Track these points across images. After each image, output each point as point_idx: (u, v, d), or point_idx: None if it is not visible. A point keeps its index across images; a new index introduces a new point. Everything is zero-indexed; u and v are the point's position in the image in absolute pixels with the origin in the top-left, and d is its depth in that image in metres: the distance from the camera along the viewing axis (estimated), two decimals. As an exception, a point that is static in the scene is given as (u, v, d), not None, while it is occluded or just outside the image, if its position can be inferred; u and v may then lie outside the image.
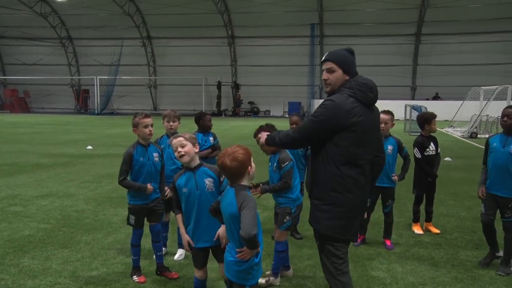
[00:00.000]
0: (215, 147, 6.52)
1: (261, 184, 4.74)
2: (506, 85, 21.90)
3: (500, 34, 36.32)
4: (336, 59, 3.40)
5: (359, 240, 5.81)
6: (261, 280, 4.56)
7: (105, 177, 10.55)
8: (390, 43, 38.42)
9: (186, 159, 3.72)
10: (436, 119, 6.31)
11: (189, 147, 3.76)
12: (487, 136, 21.09)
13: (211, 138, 6.63)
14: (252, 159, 3.11)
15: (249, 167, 3.07)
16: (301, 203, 4.82)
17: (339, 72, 3.38)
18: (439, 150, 6.35)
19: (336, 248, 3.33)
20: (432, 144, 6.26)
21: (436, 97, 37.69)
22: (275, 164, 4.62)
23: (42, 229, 6.44)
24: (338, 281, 3.33)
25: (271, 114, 40.66)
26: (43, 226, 6.59)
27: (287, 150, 4.62)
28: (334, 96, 3.32)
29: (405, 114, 25.83)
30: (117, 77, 43.94)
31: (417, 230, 6.46)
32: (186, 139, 3.80)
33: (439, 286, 4.67)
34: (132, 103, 43.95)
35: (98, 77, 42.60)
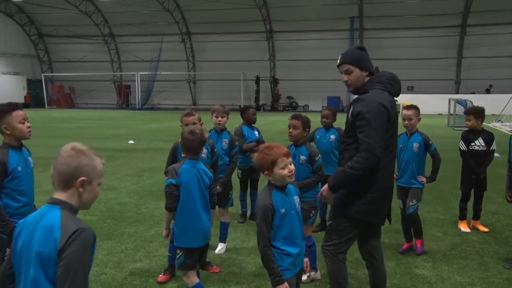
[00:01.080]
0: (259, 141, 6.52)
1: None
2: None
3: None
4: (350, 60, 3.61)
5: (404, 248, 5.46)
6: (304, 277, 4.51)
7: (146, 171, 10.76)
8: (433, 35, 37.22)
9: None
10: (470, 114, 6.05)
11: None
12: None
13: (256, 132, 6.65)
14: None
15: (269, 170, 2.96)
16: None
17: (356, 71, 3.58)
18: (492, 147, 6.03)
19: (353, 233, 3.57)
20: (480, 139, 6.01)
21: (488, 90, 35.79)
22: (303, 158, 4.46)
23: (88, 221, 6.63)
24: (332, 261, 3.62)
25: (309, 109, 40.35)
26: (89, 218, 6.79)
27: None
28: (370, 93, 3.46)
29: (449, 108, 25.03)
30: (157, 73, 44.73)
31: (464, 227, 6.23)
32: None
33: (491, 285, 4.49)
34: (171, 98, 44.66)
35: (139, 73, 43.52)
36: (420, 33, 37.14)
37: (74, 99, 47.98)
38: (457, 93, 35.86)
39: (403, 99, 35.28)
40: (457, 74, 38.72)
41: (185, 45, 44.68)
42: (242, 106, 6.77)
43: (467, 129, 6.25)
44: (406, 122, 5.26)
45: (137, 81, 43.56)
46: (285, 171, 2.96)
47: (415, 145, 5.31)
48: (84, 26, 43.78)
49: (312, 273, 4.66)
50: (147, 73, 44.47)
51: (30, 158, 3.68)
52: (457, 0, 35.64)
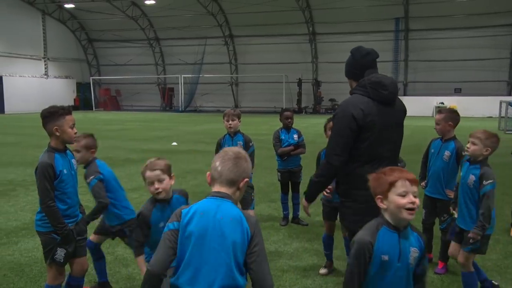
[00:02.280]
0: (299, 145, 6.47)
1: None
2: None
3: None
4: (345, 73, 3.60)
5: (440, 267, 4.98)
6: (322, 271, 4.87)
7: (189, 172, 10.91)
8: (483, 35, 35.80)
9: (163, 195, 3.34)
10: None
11: (166, 182, 3.35)
12: None
13: (295, 136, 6.59)
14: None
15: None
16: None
17: (350, 82, 3.58)
18: None
19: None
20: None
21: None
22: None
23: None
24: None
25: (352, 112, 39.81)
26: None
27: None
28: (347, 99, 3.45)
29: (500, 110, 24.01)
30: (200, 75, 45.37)
31: None
32: (163, 172, 3.35)
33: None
34: (214, 101, 45.18)
35: (182, 75, 44.29)
36: (469, 33, 35.83)
37: (120, 102, 49.41)
38: (509, 95, 34.34)
39: (450, 102, 34.38)
40: (509, 75, 37.08)
41: (227, 48, 45.11)
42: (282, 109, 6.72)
43: None
44: (435, 126, 4.93)
45: (181, 83, 44.34)
46: (404, 200, 2.32)
47: (446, 153, 4.82)
48: (130, 30, 45.06)
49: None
50: (190, 75, 45.17)
51: (73, 160, 3.79)
52: (509, -2, 34.15)
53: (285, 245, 5.79)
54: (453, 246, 4.27)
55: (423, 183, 5.16)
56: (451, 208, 4.58)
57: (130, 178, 10.18)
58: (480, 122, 24.83)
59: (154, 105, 47.86)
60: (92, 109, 45.96)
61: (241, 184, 2.31)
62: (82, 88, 47.72)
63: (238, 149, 2.40)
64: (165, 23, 43.65)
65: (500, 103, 24.29)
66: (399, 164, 4.11)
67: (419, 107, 33.29)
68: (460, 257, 4.04)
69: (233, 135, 5.56)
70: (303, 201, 3.65)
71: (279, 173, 6.70)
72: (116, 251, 5.50)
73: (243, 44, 44.63)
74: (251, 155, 5.41)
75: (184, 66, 45.30)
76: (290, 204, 6.83)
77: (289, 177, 6.68)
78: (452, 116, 4.86)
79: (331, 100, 41.55)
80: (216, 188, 2.31)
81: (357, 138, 3.29)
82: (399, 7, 36.93)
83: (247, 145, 5.45)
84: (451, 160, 4.82)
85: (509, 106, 21.77)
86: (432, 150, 5.04)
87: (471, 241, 3.89)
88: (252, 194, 5.46)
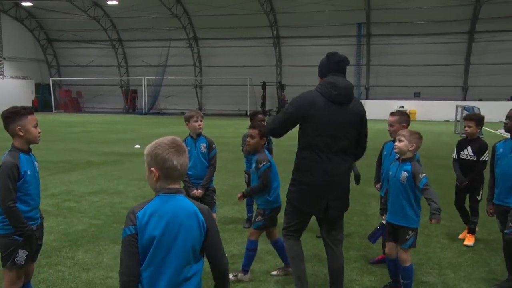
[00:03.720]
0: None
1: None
2: None
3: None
4: (318, 72, 4.05)
5: (378, 258, 5.29)
6: (230, 276, 4.65)
7: (153, 175, 10.78)
8: (441, 42, 37.10)
9: None
10: (472, 120, 5.79)
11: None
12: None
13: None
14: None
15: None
16: (279, 206, 4.73)
17: (319, 80, 4.00)
18: (483, 158, 5.69)
19: (292, 217, 4.08)
20: (469, 148, 5.81)
21: None
22: (253, 165, 4.69)
23: (94, 225, 6.67)
24: (285, 240, 4.15)
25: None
26: (95, 221, 6.83)
27: (266, 151, 4.74)
28: (303, 92, 3.97)
29: (456, 115, 24.94)
30: (164, 78, 44.92)
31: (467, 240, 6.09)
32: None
33: (495, 295, 4.47)
34: (178, 103, 44.79)
35: (146, 77, 43.72)
36: (427, 39, 37.06)
37: (81, 103, 48.28)
38: (465, 99, 35.71)
39: (410, 106, 35.44)
40: (464, 81, 38.56)
41: (192, 50, 44.86)
42: (249, 112, 6.72)
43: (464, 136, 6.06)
44: (388, 128, 5.03)
45: (144, 85, 43.75)
46: None
47: (404, 174, 4.71)
48: (92, 31, 44.12)
49: (240, 274, 4.78)
50: (154, 77, 44.65)
51: (36, 162, 3.73)
52: (466, 6, 35.53)
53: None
54: (389, 246, 4.42)
55: (377, 185, 5.33)
56: (379, 215, 4.80)
57: (91, 181, 9.99)
58: (438, 125, 25.73)
59: (116, 107, 47.01)
60: (52, 110, 44.69)
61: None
62: (41, 89, 46.33)
63: (175, 138, 2.31)
64: (128, 24, 43.00)
65: (456, 107, 25.25)
66: (353, 169, 4.42)
67: (380, 110, 34.10)
68: (401, 255, 4.21)
69: (196, 137, 5.40)
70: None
71: (246, 175, 6.71)
72: (76, 255, 5.39)
73: (207, 47, 44.50)
74: (214, 157, 5.41)
75: (147, 68, 44.73)
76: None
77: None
78: (405, 118, 5.03)
79: (295, 103, 41.96)
80: (168, 184, 2.25)
81: (300, 125, 3.87)
82: (361, 13, 37.78)
83: (210, 147, 5.38)
84: (408, 183, 4.94)
85: (464, 110, 22.64)
86: (385, 152, 5.19)
87: (407, 231, 4.16)
88: (214, 197, 5.46)
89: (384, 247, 5.22)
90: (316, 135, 3.80)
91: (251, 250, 4.76)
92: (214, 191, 5.45)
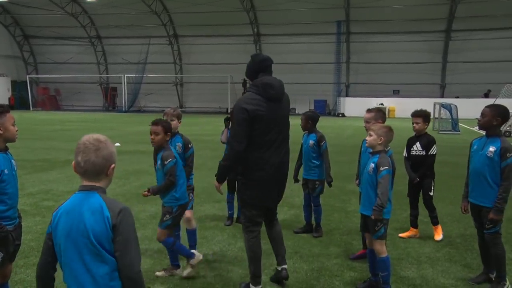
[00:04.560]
0: None
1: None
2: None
3: (534, 30, 35.22)
4: (245, 74, 4.34)
5: (358, 254, 5.37)
6: (163, 273, 4.83)
7: (132, 173, 10.71)
8: (419, 40, 37.66)
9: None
10: (419, 117, 5.93)
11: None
12: (520, 135, 20.53)
13: None
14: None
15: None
16: (186, 203, 4.72)
17: (249, 82, 4.36)
18: (431, 152, 5.83)
19: (252, 213, 4.28)
20: (418, 143, 5.93)
21: (487, 94, 35.69)
22: (159, 162, 4.57)
23: (73, 224, 6.58)
24: (246, 233, 4.34)
25: (296, 112, 40.51)
26: (74, 221, 6.74)
27: (172, 148, 4.72)
28: (242, 96, 4.26)
29: (434, 112, 25.33)
30: (144, 75, 44.50)
31: (403, 235, 6.16)
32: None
33: (472, 288, 4.57)
34: (158, 101, 44.45)
35: (125, 75, 43.25)
36: (406, 37, 37.55)
37: (59, 101, 47.51)
38: (442, 97, 36.33)
39: (389, 103, 35.86)
40: (442, 79, 39.22)
41: (172, 48, 44.54)
42: (229, 109, 6.69)
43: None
44: (364, 124, 5.14)
45: (124, 83, 43.28)
46: None
47: (372, 166, 4.86)
48: (70, 27, 43.40)
49: (173, 270, 4.87)
50: (134, 75, 44.22)
51: (13, 161, 3.67)
52: (442, 5, 36.12)
53: (229, 245, 5.83)
54: (367, 237, 4.59)
55: (356, 181, 5.40)
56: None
57: (70, 180, 9.85)
58: (416, 122, 26.10)
59: (96, 105, 46.43)
60: (29, 108, 43.85)
61: (109, 171, 2.31)
62: (17, 87, 45.42)
63: (96, 136, 2.32)
64: (107, 21, 42.43)
65: (434, 104, 25.65)
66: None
67: (360, 107, 34.27)
68: (374, 245, 4.32)
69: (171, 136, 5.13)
70: (215, 182, 4.43)
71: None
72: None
73: (187, 44, 44.25)
74: (191, 157, 5.22)
75: (127, 65, 44.25)
76: (235, 204, 6.88)
77: (236, 176, 6.69)
78: (381, 114, 5.19)
79: (276, 100, 42.11)
80: (83, 181, 2.30)
81: (251, 128, 4.07)
82: (341, 11, 38.04)
83: (186, 147, 5.16)
84: (374, 175, 5.04)
85: (442, 108, 23.01)
86: (362, 149, 5.29)
87: (376, 222, 4.22)
88: (191, 194, 5.39)
89: (363, 243, 5.32)
90: (267, 132, 4.12)
91: (172, 245, 4.68)
92: (192, 189, 5.34)
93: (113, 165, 2.33)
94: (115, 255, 2.20)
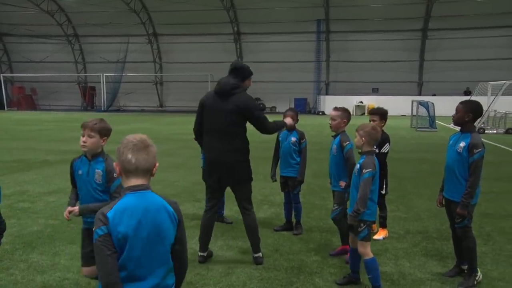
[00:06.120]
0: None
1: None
2: (514, 80, 21.71)
3: (508, 29, 36.05)
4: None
5: (337, 250, 5.42)
6: None
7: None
8: (397, 39, 38.20)
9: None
10: (376, 114, 5.95)
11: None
12: (495, 131, 21.02)
13: None
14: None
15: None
16: None
17: None
18: (384, 150, 5.79)
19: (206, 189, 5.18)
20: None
21: (467, 92, 36.20)
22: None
23: (50, 225, 6.47)
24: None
25: (277, 111, 40.61)
26: (51, 222, 6.63)
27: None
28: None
29: (412, 109, 25.72)
30: (123, 74, 44.03)
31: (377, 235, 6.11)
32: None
33: (447, 282, 4.66)
34: (138, 100, 44.08)
35: (104, 74, 42.73)
36: (384, 36, 38.04)
37: (36, 101, 46.65)
38: (420, 94, 36.92)
39: (368, 101, 36.28)
40: (419, 77, 39.83)
41: (151, 47, 44.18)
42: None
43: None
44: (332, 122, 5.19)
45: (103, 82, 42.76)
46: None
47: (334, 147, 5.18)
48: (46, 25, 42.67)
49: None
50: (113, 74, 43.70)
51: None
52: (419, 4, 36.68)
53: (209, 244, 5.81)
54: (351, 237, 4.57)
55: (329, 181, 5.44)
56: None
57: (47, 180, 9.68)
58: (395, 120, 26.39)
59: (74, 105, 45.75)
60: (4, 108, 42.95)
61: (154, 170, 2.32)
62: (-9, 86, 44.49)
63: (141, 136, 2.38)
64: (85, 19, 41.84)
65: (412, 102, 26.04)
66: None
67: (340, 106, 34.87)
68: (359, 248, 4.33)
69: (90, 158, 3.97)
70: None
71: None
72: (31, 257, 5.22)
73: (167, 43, 43.95)
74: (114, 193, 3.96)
75: (106, 64, 43.74)
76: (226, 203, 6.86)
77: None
78: (346, 114, 5.30)
79: (256, 99, 42.10)
80: (133, 181, 2.25)
81: (201, 115, 5.00)
82: (320, 10, 38.30)
83: (110, 177, 3.90)
84: (338, 153, 5.14)
85: (419, 105, 23.37)
86: (330, 146, 5.35)
87: (359, 223, 4.20)
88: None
89: (341, 239, 5.38)
90: (208, 121, 4.94)
91: None
92: None
93: (157, 164, 2.35)
94: (176, 248, 2.35)
